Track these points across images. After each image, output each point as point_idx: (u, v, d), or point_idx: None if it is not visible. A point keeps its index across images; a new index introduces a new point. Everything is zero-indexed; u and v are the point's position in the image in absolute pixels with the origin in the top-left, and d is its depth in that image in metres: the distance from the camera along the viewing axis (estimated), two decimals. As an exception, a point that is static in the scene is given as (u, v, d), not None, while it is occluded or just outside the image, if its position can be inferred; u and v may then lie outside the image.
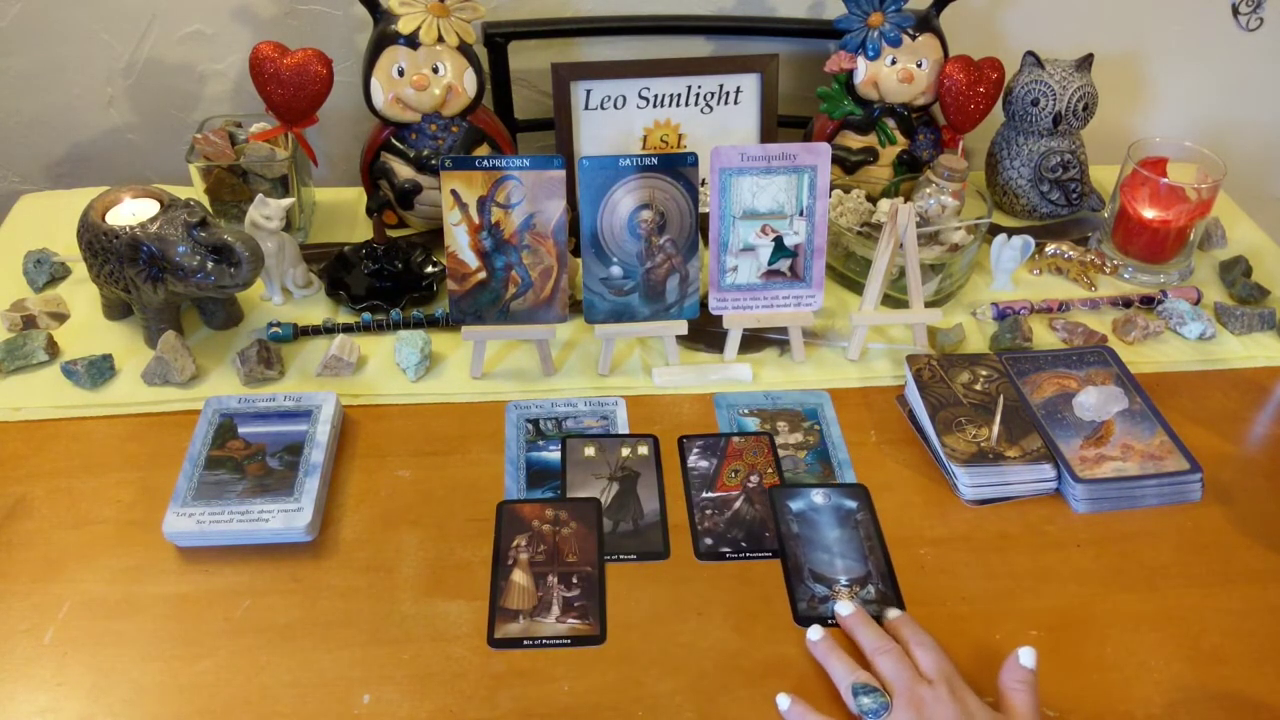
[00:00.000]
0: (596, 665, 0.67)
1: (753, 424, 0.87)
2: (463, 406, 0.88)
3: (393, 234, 1.04)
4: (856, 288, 1.00)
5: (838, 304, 1.00)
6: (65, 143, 1.18)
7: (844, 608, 0.70)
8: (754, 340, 0.95)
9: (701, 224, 0.88)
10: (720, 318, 0.91)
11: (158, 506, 0.76)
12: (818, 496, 0.79)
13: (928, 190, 1.00)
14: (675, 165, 0.86)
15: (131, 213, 0.87)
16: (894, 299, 0.97)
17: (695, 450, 0.84)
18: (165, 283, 0.84)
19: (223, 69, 1.13)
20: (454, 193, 0.85)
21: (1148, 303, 1.01)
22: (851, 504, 0.79)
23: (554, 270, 0.88)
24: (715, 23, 1.13)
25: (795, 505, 0.78)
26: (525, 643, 0.69)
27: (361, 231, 1.08)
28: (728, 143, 0.87)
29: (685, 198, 0.87)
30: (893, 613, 0.70)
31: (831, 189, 1.05)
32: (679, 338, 0.91)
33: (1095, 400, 0.86)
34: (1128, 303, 1.01)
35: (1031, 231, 1.04)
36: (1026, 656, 0.64)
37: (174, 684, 0.66)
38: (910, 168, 1.09)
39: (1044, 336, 0.97)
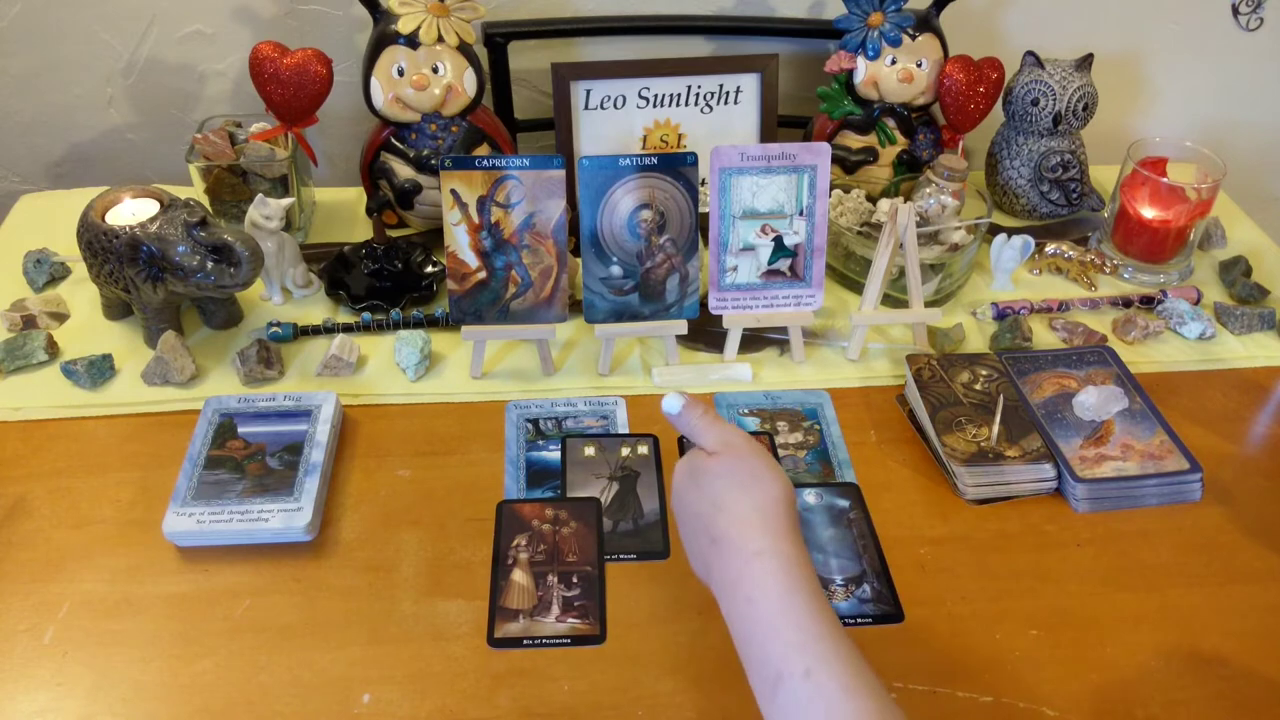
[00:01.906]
0: (596, 665, 0.67)
1: (753, 424, 0.87)
2: (463, 406, 0.88)
3: (393, 234, 1.04)
4: (856, 288, 1.00)
5: (838, 304, 1.00)
6: (65, 143, 1.18)
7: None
8: (754, 340, 0.95)
9: (701, 224, 0.88)
10: (720, 317, 0.91)
11: (158, 506, 0.76)
12: (810, 496, 0.79)
13: (928, 190, 1.00)
14: (675, 165, 0.86)
15: (131, 213, 0.87)
16: (894, 299, 0.97)
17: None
18: (165, 283, 0.84)
19: (223, 69, 1.13)
20: (454, 193, 0.85)
21: (1148, 303, 1.01)
22: (844, 503, 0.79)
23: (554, 270, 0.88)
24: (715, 23, 1.13)
25: (793, 505, 0.78)
26: (525, 642, 0.69)
27: (361, 231, 1.08)
28: (728, 142, 0.87)
29: (685, 197, 0.87)
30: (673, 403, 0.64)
31: (831, 189, 1.05)
32: (679, 337, 0.91)
33: (1095, 400, 0.86)
34: (1128, 303, 1.01)
35: (1031, 231, 1.04)
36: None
37: (174, 684, 0.66)
38: (910, 168, 1.09)
39: (1044, 336, 0.97)
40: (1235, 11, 1.21)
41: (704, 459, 0.62)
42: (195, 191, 1.02)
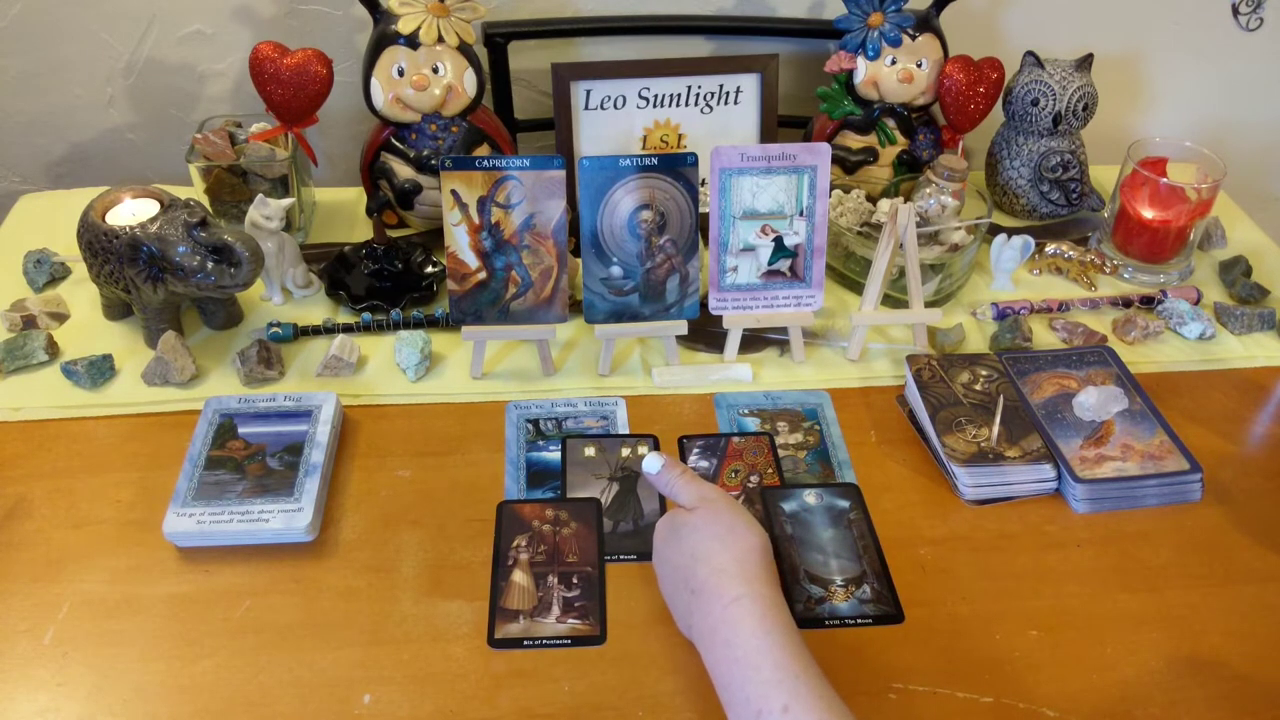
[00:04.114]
0: (596, 665, 0.67)
1: (753, 424, 0.87)
2: (463, 406, 0.88)
3: (393, 234, 1.04)
4: (856, 288, 1.00)
5: (838, 304, 1.00)
6: (65, 143, 1.18)
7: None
8: (754, 340, 0.95)
9: (701, 224, 0.88)
10: (720, 318, 0.91)
11: (158, 506, 0.76)
12: (810, 497, 0.79)
13: (928, 190, 1.00)
14: (675, 165, 0.86)
15: (131, 213, 0.87)
16: (894, 299, 0.97)
17: (695, 450, 0.84)
18: (165, 283, 0.84)
19: (223, 69, 1.13)
20: (454, 193, 0.85)
21: (1148, 303, 1.01)
22: (844, 504, 0.79)
23: (554, 270, 0.88)
24: (715, 23, 1.13)
25: (788, 506, 0.78)
26: (525, 643, 0.69)
27: (361, 231, 1.08)
28: (728, 143, 0.87)
29: (685, 198, 0.87)
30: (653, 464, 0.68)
31: (831, 189, 1.05)
32: (679, 338, 0.91)
33: (1095, 400, 0.86)
34: (1128, 303, 1.01)
35: (1031, 231, 1.04)
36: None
37: (174, 684, 0.66)
38: (910, 168, 1.09)
39: (1044, 336, 0.97)
40: (1235, 11, 1.21)
41: (683, 515, 0.65)
42: (195, 191, 1.02)
